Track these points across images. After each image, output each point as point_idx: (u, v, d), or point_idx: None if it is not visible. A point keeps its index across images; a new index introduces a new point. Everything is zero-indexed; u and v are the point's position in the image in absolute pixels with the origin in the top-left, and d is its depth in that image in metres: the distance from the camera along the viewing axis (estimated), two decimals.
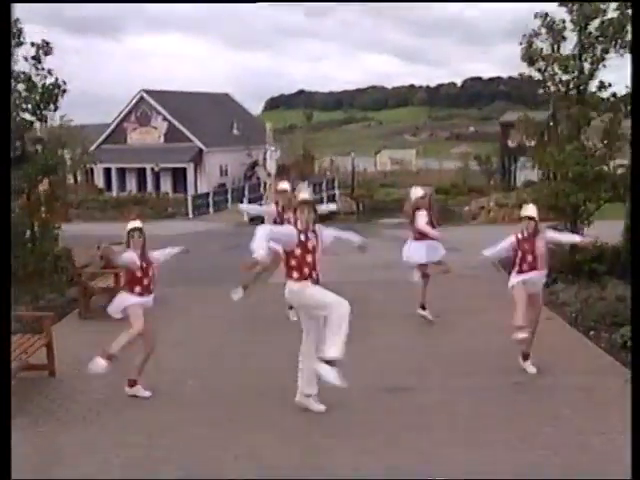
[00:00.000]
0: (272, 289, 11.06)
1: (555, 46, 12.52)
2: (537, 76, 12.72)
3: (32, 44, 12.42)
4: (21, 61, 12.44)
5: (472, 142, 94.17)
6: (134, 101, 45.98)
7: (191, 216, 34.74)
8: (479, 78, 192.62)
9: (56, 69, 12.67)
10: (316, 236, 7.17)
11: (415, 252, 10.39)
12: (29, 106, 12.47)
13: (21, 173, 12.34)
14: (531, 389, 7.99)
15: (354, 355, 8.59)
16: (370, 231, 22.75)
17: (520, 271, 8.34)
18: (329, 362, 6.72)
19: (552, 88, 12.60)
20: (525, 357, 8.48)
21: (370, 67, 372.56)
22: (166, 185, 45.31)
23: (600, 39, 12.31)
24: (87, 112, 65.23)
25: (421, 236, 10.31)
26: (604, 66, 12.35)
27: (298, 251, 7.03)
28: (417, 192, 10.46)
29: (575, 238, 9.80)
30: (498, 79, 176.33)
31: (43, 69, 12.71)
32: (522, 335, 8.08)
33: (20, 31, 12.33)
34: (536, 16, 12.81)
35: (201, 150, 45.05)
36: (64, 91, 12.52)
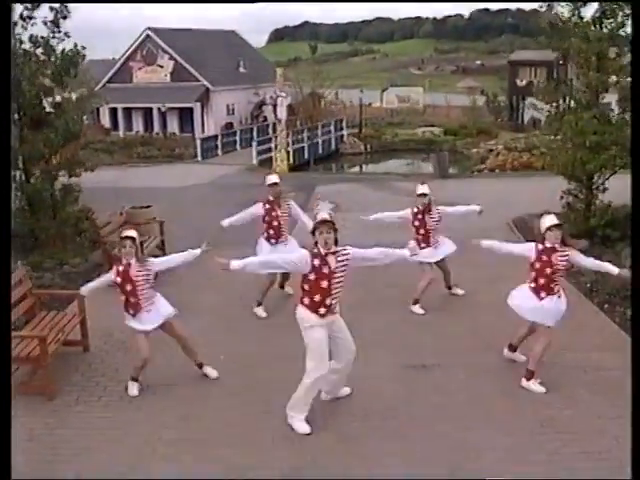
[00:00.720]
0: None
1: (576, 11, 12.43)
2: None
3: (50, 8, 12.38)
4: (39, 24, 12.45)
5: (478, 76, 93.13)
6: (140, 39, 45.41)
7: (200, 159, 34.68)
8: (487, 10, 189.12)
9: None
10: (336, 259, 6.62)
11: (429, 252, 10.22)
12: (48, 71, 12.49)
13: (41, 138, 12.47)
14: (548, 367, 8.18)
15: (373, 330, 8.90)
16: (382, 185, 22.89)
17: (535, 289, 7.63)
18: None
19: (571, 52, 12.56)
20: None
21: None
22: (173, 125, 45.03)
23: (621, 4, 12.20)
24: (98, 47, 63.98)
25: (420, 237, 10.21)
26: (624, 32, 12.29)
27: (312, 276, 6.59)
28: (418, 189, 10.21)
29: (609, 268, 7.74)
30: (506, 11, 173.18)
31: (60, 32, 12.71)
32: (511, 355, 8.31)
33: None
34: None
35: (208, 89, 44.61)
36: (84, 57, 12.53)
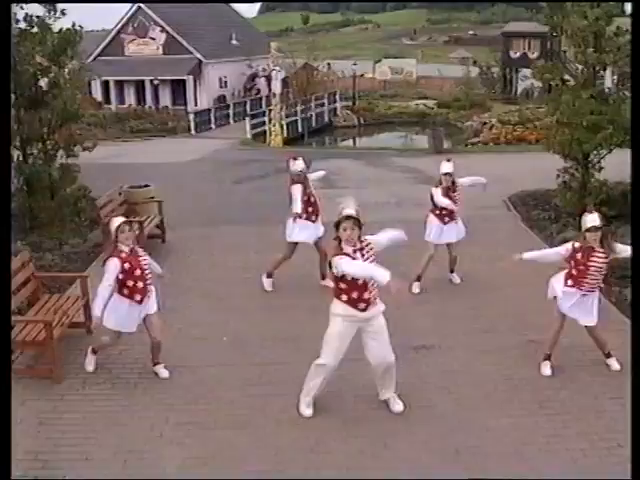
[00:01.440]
0: None
1: None
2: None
3: None
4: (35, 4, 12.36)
5: (471, 46, 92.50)
6: (131, 12, 44.95)
7: (194, 133, 34.60)
8: None
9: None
10: (363, 253, 6.50)
11: (446, 233, 10.31)
12: (44, 51, 12.41)
13: (38, 118, 12.44)
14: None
15: None
16: (377, 161, 22.90)
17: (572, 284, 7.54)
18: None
19: (569, 32, 12.55)
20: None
21: None
22: (165, 98, 44.77)
23: None
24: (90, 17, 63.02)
25: (443, 214, 10.26)
26: (623, 12, 12.30)
27: (348, 276, 6.43)
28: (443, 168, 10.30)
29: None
30: None
31: (56, 10, 12.61)
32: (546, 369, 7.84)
33: None
34: None
35: (200, 62, 44.31)
36: (81, 37, 12.45)
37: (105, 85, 44.81)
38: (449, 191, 10.14)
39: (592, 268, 7.36)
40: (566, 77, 13.50)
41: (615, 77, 12.76)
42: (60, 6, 12.46)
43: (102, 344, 7.92)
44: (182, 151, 26.63)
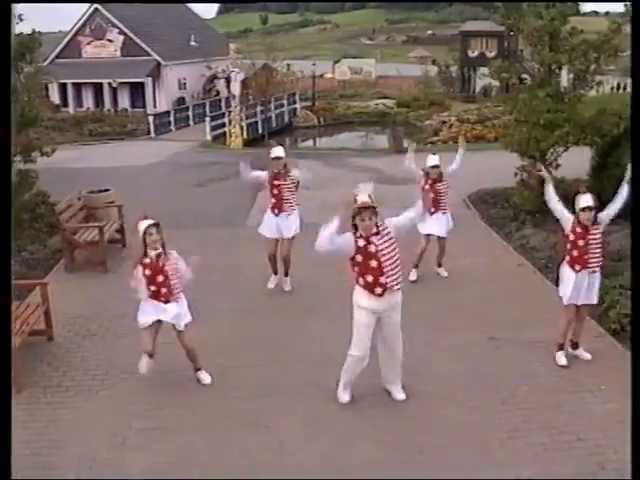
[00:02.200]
0: None
1: None
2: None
3: None
4: None
5: (429, 46, 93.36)
6: (88, 13, 44.45)
7: (153, 135, 34.35)
8: None
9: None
10: (382, 237, 6.56)
11: (435, 224, 10.55)
12: None
13: None
14: (507, 345, 8.45)
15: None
16: (337, 161, 22.95)
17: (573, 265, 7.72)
18: None
19: (525, 32, 12.74)
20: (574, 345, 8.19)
21: None
22: (124, 101, 44.43)
23: None
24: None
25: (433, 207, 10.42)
26: (577, 12, 12.52)
27: (359, 258, 6.54)
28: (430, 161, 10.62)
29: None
30: None
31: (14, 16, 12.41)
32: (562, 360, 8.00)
33: None
34: None
35: (159, 64, 44.03)
36: (40, 44, 12.28)
37: (62, 88, 44.23)
38: (436, 182, 10.48)
39: (592, 244, 7.56)
40: (523, 76, 13.70)
41: (571, 76, 12.96)
42: (17, 10, 12.24)
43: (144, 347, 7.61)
44: (142, 154, 26.41)
